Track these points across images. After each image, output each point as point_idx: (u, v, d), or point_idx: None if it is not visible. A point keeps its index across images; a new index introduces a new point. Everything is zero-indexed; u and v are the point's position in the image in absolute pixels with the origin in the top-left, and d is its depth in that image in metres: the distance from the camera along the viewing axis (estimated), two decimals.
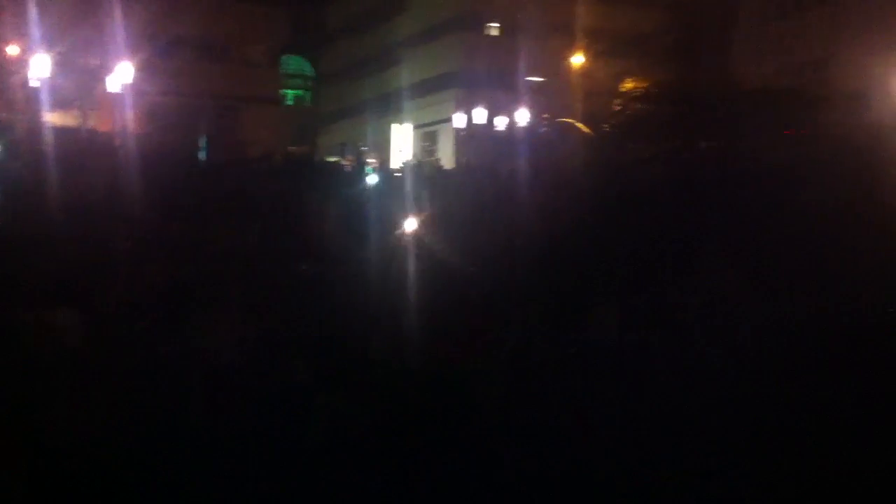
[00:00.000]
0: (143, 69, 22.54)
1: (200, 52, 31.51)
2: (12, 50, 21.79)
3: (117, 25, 22.94)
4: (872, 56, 19.21)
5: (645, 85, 26.59)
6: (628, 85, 27.04)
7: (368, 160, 20.22)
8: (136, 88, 20.28)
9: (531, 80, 30.11)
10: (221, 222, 9.17)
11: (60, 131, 17.44)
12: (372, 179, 12.00)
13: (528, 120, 20.88)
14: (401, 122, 33.77)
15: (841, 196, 5.92)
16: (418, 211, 9.46)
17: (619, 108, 25.54)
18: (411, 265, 6.36)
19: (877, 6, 21.98)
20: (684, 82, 24.59)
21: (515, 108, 22.13)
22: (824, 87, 21.82)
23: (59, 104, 22.49)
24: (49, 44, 20.40)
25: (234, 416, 3.99)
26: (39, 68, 19.10)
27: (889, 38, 20.47)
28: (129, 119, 19.21)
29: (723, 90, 21.11)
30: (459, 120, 25.05)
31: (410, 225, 8.32)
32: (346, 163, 15.16)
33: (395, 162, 25.35)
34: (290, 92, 44.38)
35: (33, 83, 19.20)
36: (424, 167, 17.34)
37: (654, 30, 31.49)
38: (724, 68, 26.44)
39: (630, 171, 9.61)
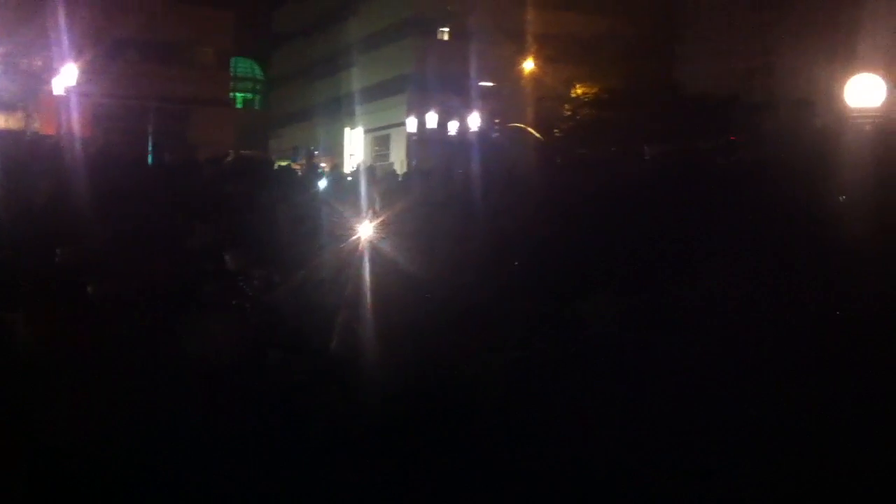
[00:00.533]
0: (89, 71, 22.16)
1: (147, 54, 31.10)
2: None
3: (61, 26, 22.52)
4: (815, 62, 19.66)
5: (594, 90, 26.96)
6: (578, 90, 27.39)
7: (320, 164, 20.11)
8: (81, 91, 19.91)
9: (483, 85, 30.26)
10: (170, 226, 9.04)
11: (3, 134, 17.05)
12: (324, 183, 11.92)
13: (480, 124, 20.96)
14: (353, 126, 33.70)
15: (781, 199, 6.03)
16: (371, 215, 9.42)
17: (569, 113, 25.88)
18: (365, 269, 6.33)
19: (819, 14, 22.50)
20: (632, 88, 24.95)
21: (467, 113, 22.20)
22: (768, 93, 22.30)
23: (2, 107, 22.01)
24: None
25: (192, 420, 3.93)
26: None
27: (831, 44, 20.97)
28: (74, 122, 18.85)
29: (669, 96, 21.48)
30: (412, 124, 25.06)
31: (363, 229, 8.28)
32: (298, 166, 15.05)
33: (348, 166, 25.27)
34: (239, 95, 44.05)
35: None
36: (377, 171, 17.30)
37: (603, 36, 31.92)
38: (669, 74, 26.87)
39: (579, 175, 9.69)
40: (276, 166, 14.28)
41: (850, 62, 17.21)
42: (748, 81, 25.17)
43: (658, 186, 7.42)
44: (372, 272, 6.31)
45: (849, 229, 5.42)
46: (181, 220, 8.56)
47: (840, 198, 5.26)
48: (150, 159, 22.50)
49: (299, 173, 14.84)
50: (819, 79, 17.58)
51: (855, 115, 9.24)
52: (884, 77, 10.82)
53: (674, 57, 28.47)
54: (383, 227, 7.33)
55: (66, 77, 19.42)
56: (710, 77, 24.23)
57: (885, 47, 17.72)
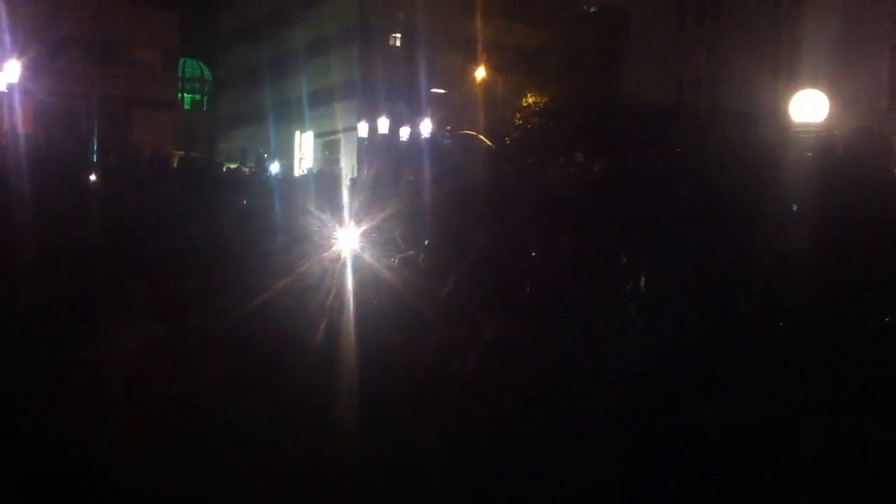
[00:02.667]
0: (31, 69, 21.68)
1: (91, 53, 30.52)
2: None
3: (3, 23, 22.01)
4: (758, 77, 20.08)
5: (544, 100, 27.18)
6: (529, 100, 27.60)
7: (269, 167, 19.92)
8: (22, 88, 19.46)
9: (434, 92, 30.33)
10: (111, 227, 8.85)
11: None
12: (272, 187, 11.81)
13: (430, 131, 20.99)
14: (303, 130, 33.50)
15: (723, 206, 6.12)
16: (320, 219, 9.35)
17: (519, 121, 26.05)
18: (316, 273, 6.26)
19: (763, 29, 22.97)
20: (580, 98, 25.21)
21: (418, 119, 22.22)
22: (713, 105, 22.71)
23: None
24: None
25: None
26: None
27: (774, 59, 21.43)
28: (15, 120, 18.41)
29: (615, 106, 21.74)
30: (362, 129, 24.99)
31: (312, 233, 8.21)
32: (246, 169, 14.88)
33: (297, 170, 25.08)
34: (187, 96, 43.48)
35: None
36: (326, 175, 17.19)
37: (550, 46, 32.25)
38: (616, 85, 27.20)
39: (530, 184, 9.73)
40: (223, 168, 14.12)
41: (792, 77, 17.61)
42: (694, 93, 25.60)
43: (602, 197, 7.51)
44: (321, 279, 6.25)
45: (790, 241, 5.53)
46: (121, 222, 8.40)
47: (788, 207, 5.34)
48: (93, 159, 22.03)
49: (247, 176, 14.68)
50: (762, 92, 17.96)
51: (798, 129, 9.45)
52: (826, 93, 11.09)
53: (621, 68, 28.84)
54: (333, 232, 7.28)
55: (8, 74, 18.96)
56: (656, 88, 24.59)
57: (827, 64, 18.17)
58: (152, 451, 3.71)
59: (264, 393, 4.33)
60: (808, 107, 10.57)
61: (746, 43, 22.98)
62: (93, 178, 12.19)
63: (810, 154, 7.71)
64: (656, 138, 12.81)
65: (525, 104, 27.41)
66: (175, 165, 15.85)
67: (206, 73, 45.20)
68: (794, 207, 5.47)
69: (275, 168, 18.52)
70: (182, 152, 20.61)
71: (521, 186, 9.63)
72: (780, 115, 10.96)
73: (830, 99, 10.89)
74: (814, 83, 12.93)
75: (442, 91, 30.89)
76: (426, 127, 21.18)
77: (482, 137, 23.36)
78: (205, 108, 45.10)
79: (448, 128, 24.49)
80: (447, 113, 26.79)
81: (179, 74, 39.11)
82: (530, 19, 33.57)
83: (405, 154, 18.07)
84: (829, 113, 10.71)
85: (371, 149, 23.01)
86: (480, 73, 29.57)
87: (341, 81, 34.18)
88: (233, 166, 14.60)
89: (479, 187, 10.35)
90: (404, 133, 22.30)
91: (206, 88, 45.58)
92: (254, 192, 10.75)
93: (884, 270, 4.57)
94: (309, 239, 7.05)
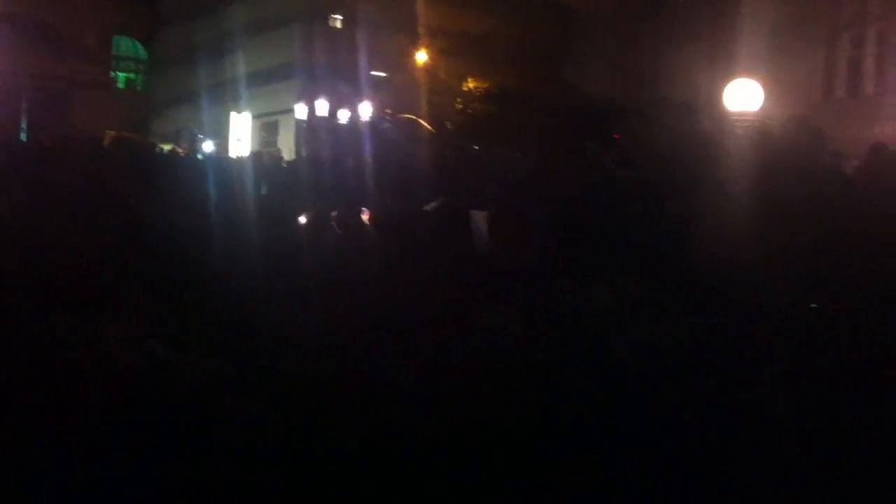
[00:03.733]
0: None
1: (22, 30, 29.56)
2: None
3: None
4: (697, 68, 20.35)
5: (486, 86, 27.16)
6: (470, 84, 27.55)
7: (205, 148, 19.55)
8: None
9: (375, 75, 30.07)
10: (41, 210, 8.57)
11: None
12: (209, 168, 11.57)
13: (371, 114, 20.82)
14: (240, 111, 32.92)
15: (664, 201, 6.18)
16: (257, 202, 9.20)
17: (461, 107, 26.00)
18: (253, 259, 6.17)
19: (701, 18, 23.28)
20: (523, 87, 25.27)
21: (359, 102, 22.01)
22: (654, 97, 22.95)
23: None
24: None
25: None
26: None
27: (712, 50, 21.74)
28: None
29: (558, 96, 21.86)
30: (301, 111, 24.65)
31: (248, 216, 8.07)
32: (182, 150, 14.57)
33: (234, 151, 24.68)
34: (121, 75, 42.37)
35: None
36: (264, 157, 16.93)
37: (494, 33, 32.23)
38: (558, 77, 27.34)
39: (471, 171, 9.72)
40: (158, 149, 13.78)
41: (729, 68, 17.89)
42: (636, 85, 25.85)
43: (544, 188, 7.51)
44: (257, 264, 6.15)
45: (730, 232, 5.59)
46: (52, 207, 8.13)
47: (728, 198, 5.41)
48: (22, 138, 21.34)
49: (183, 157, 14.37)
50: (701, 83, 18.21)
51: (734, 118, 9.59)
52: (761, 82, 11.27)
53: (564, 59, 28.97)
54: (270, 215, 7.18)
55: None
56: (598, 80, 24.74)
57: (763, 54, 18.48)
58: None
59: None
60: (743, 96, 10.74)
61: (687, 34, 23.27)
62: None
63: (745, 144, 7.83)
64: (600, 130, 12.90)
65: (466, 89, 27.37)
66: (107, 145, 15.43)
67: (142, 51, 44.13)
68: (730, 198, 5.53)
69: (208, 148, 18.20)
70: (114, 132, 20.12)
71: (464, 173, 9.61)
72: (717, 106, 11.12)
73: (766, 89, 11.07)
74: (750, 73, 13.13)
75: (383, 74, 30.65)
76: (366, 110, 21.01)
77: (423, 122, 23.25)
78: (140, 88, 44.05)
79: (388, 111, 24.34)
80: (388, 96, 26.60)
81: (114, 53, 38.08)
82: (475, 5, 33.47)
83: (345, 137, 17.91)
84: (766, 103, 10.89)
85: (310, 131, 22.75)
86: (422, 57, 29.42)
87: (281, 62, 33.63)
88: (167, 147, 14.27)
89: (421, 173, 10.30)
90: (344, 116, 22.09)
91: (141, 67, 44.49)
92: (187, 175, 10.53)
93: (815, 261, 4.67)
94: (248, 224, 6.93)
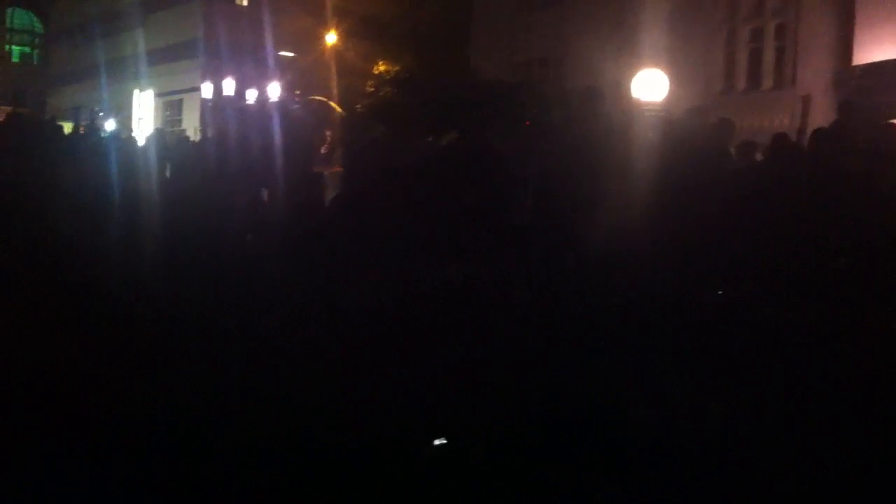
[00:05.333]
0: None
1: None
2: None
3: None
4: (601, 57, 20.66)
5: (396, 69, 27.02)
6: (381, 67, 27.36)
7: (107, 127, 18.87)
8: None
9: (283, 55, 29.57)
10: None
11: None
12: (111, 147, 11.16)
13: (278, 95, 20.45)
14: (142, 89, 31.92)
15: (568, 185, 6.27)
16: (160, 183, 8.95)
17: (371, 90, 25.79)
18: (152, 241, 6.00)
19: (603, 7, 23.64)
20: (429, 70, 25.21)
21: (266, 83, 21.60)
22: (558, 84, 23.20)
23: None
24: None
25: None
26: None
27: (616, 40, 22.12)
28: None
29: (463, 80, 21.89)
30: (206, 90, 24.04)
31: (150, 197, 7.85)
32: (81, 129, 14.03)
33: (136, 130, 23.91)
34: (16, 48, 40.57)
35: None
36: (167, 137, 16.45)
37: (401, 17, 32.06)
38: (462, 60, 27.35)
39: (380, 155, 9.65)
40: (55, 126, 13.24)
41: (633, 57, 18.25)
42: (540, 72, 26.06)
43: (444, 174, 7.52)
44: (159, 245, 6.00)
45: (633, 220, 5.70)
46: None
47: (632, 185, 5.51)
48: None
49: (81, 135, 13.83)
50: (605, 72, 18.50)
51: (641, 107, 9.78)
52: (666, 74, 11.53)
53: (466, 45, 28.99)
54: (174, 198, 6.99)
55: None
56: (501, 65, 24.83)
57: (666, 45, 18.91)
58: None
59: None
60: (649, 86, 10.96)
61: (589, 23, 23.59)
62: None
63: (650, 133, 7.99)
64: (500, 114, 12.97)
65: (377, 72, 27.18)
66: (1, 121, 14.77)
67: (37, 24, 42.29)
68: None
69: (109, 127, 17.56)
70: (10, 108, 19.27)
71: (369, 159, 9.53)
72: (622, 94, 11.32)
73: (670, 79, 11.33)
74: (654, 63, 13.41)
75: (290, 54, 30.15)
76: (274, 90, 20.64)
77: (333, 104, 22.98)
78: (35, 62, 42.23)
79: (298, 93, 23.95)
80: (296, 77, 26.19)
81: (7, 25, 36.41)
82: None
83: (252, 117, 17.55)
84: (669, 93, 11.14)
85: (215, 110, 22.23)
86: (331, 38, 29.04)
87: (184, 39, 32.75)
88: (67, 125, 13.73)
89: (331, 157, 10.19)
90: (251, 96, 21.65)
91: (36, 41, 42.65)
92: (87, 154, 10.14)
93: (712, 248, 4.82)
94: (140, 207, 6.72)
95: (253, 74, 24.07)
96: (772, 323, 4.37)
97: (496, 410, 3.93)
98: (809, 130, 7.06)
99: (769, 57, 21.00)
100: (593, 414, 3.98)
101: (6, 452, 3.36)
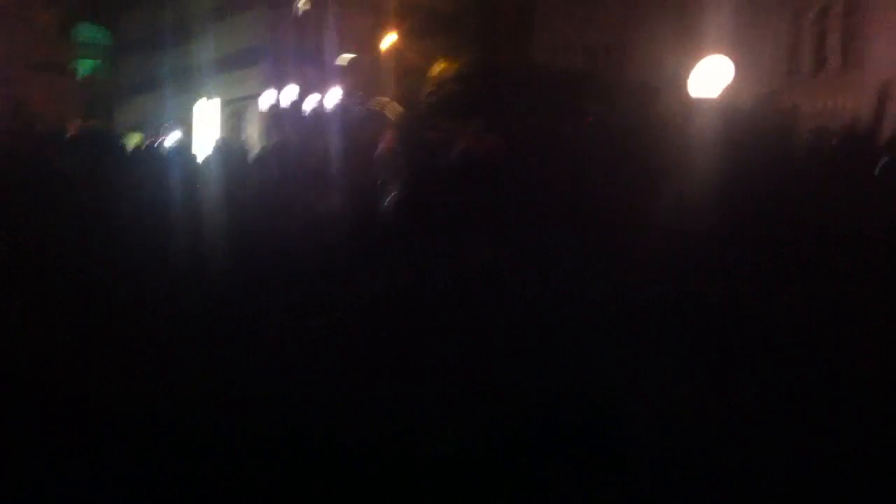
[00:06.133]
0: None
1: None
2: None
3: None
4: (663, 46, 20.32)
5: (457, 66, 27.00)
6: (441, 65, 27.37)
7: (173, 137, 19.22)
8: None
9: (344, 57, 29.79)
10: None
11: None
12: (176, 159, 11.35)
13: (341, 98, 20.60)
14: (207, 98, 32.51)
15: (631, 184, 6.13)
16: (223, 192, 9.04)
17: (433, 88, 25.82)
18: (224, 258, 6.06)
19: None
20: (493, 63, 25.14)
21: (328, 86, 21.79)
22: (620, 72, 22.92)
23: None
24: None
25: None
26: None
27: (678, 22, 21.70)
28: None
29: (525, 72, 21.74)
30: (269, 97, 24.38)
31: (213, 207, 7.92)
32: (147, 140, 14.34)
33: (201, 139, 24.35)
34: (84, 62, 41.70)
35: None
36: (231, 145, 16.68)
37: (461, 11, 32.01)
38: (525, 51, 27.19)
39: (444, 152, 9.61)
40: (122, 139, 13.54)
41: (696, 44, 17.86)
42: (605, 60, 25.77)
43: (516, 168, 7.43)
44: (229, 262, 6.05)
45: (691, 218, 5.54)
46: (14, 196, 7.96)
47: (690, 181, 5.36)
48: None
49: (149, 146, 14.12)
50: (667, 58, 18.18)
51: (704, 95, 9.55)
52: (730, 57, 11.23)
53: (531, 34, 28.83)
54: (239, 212, 7.04)
55: None
56: (565, 55, 24.65)
57: (729, 28, 18.49)
58: None
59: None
60: (713, 73, 10.69)
61: (652, 9, 23.21)
62: None
63: (715, 122, 7.77)
64: (563, 107, 12.83)
65: (437, 69, 27.20)
66: (71, 135, 15.10)
67: (105, 38, 43.42)
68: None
69: (175, 136, 17.92)
70: (79, 121, 19.77)
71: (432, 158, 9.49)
72: (684, 83, 11.07)
73: (734, 64, 11.04)
74: (716, 49, 13.10)
75: (353, 56, 30.37)
76: (336, 94, 20.80)
77: (395, 103, 23.05)
78: (104, 75, 43.37)
79: (360, 94, 24.08)
80: (358, 78, 26.37)
81: (77, 38, 37.46)
82: None
83: (315, 122, 17.69)
84: (733, 79, 10.85)
85: (278, 117, 22.49)
86: (392, 37, 29.15)
87: (247, 46, 33.26)
88: (134, 137, 14.03)
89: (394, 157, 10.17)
90: (314, 100, 21.85)
91: (105, 54, 43.80)
92: (155, 164, 10.34)
93: (790, 247, 4.64)
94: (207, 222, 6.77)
95: (315, 78, 24.31)
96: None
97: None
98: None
99: (835, 38, 20.39)
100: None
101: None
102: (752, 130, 6.56)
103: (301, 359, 4.53)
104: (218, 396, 4.07)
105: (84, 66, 41.44)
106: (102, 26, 42.55)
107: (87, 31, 41.07)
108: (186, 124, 28.84)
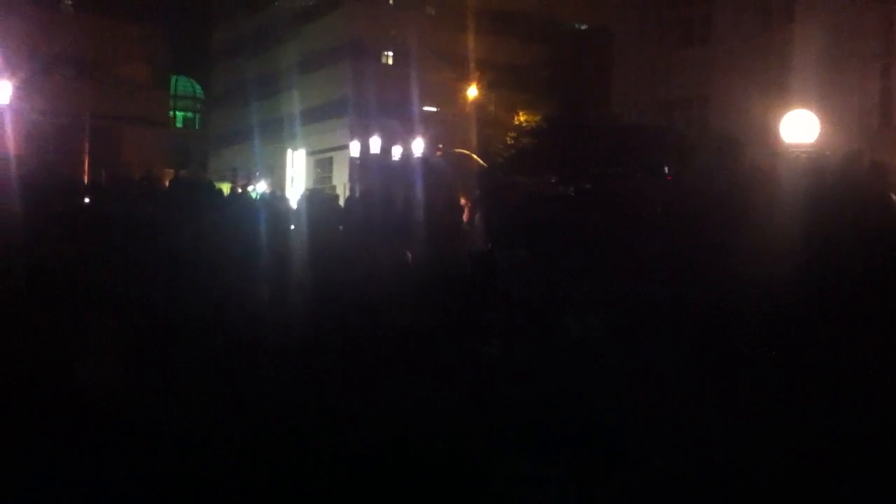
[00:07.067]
0: (22, 88, 21.61)
1: (81, 70, 30.47)
2: None
3: None
4: (747, 97, 20.12)
5: (535, 119, 27.24)
6: (521, 118, 27.66)
7: (262, 186, 19.84)
8: (13, 108, 19.39)
9: (426, 110, 30.34)
10: (102, 249, 8.77)
11: None
12: (266, 207, 11.70)
13: (422, 150, 20.97)
14: (294, 148, 33.44)
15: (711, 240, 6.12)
16: (310, 241, 9.29)
17: (512, 141, 26.09)
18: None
19: (749, 46, 23.03)
20: (570, 116, 25.22)
21: (410, 138, 22.23)
22: (700, 125, 22.71)
23: None
24: None
25: None
26: None
27: (763, 79, 21.49)
28: (7, 141, 18.34)
29: (603, 126, 21.73)
30: (354, 148, 24.96)
31: (300, 255, 8.15)
32: (238, 189, 14.85)
33: (289, 188, 25.03)
34: (178, 113, 43.43)
35: None
36: (317, 194, 17.06)
37: (539, 64, 32.34)
38: (603, 104, 27.21)
39: (522, 205, 9.71)
40: (216, 187, 14.02)
41: (781, 97, 17.66)
42: (682, 114, 25.62)
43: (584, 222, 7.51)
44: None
45: (782, 267, 5.49)
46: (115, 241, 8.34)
47: (773, 235, 5.33)
48: (84, 178, 21.87)
49: (240, 194, 14.62)
50: (750, 113, 17.99)
51: (790, 150, 9.47)
52: (816, 113, 11.12)
53: (608, 87, 28.89)
54: (325, 257, 7.24)
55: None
56: (643, 108, 24.57)
57: (816, 83, 18.24)
58: None
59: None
60: (799, 127, 10.59)
61: (735, 62, 23.04)
62: (86, 199, 12.06)
63: (802, 178, 7.68)
64: (639, 160, 12.85)
65: (517, 122, 27.45)
66: (166, 184, 15.65)
67: (198, 90, 45.19)
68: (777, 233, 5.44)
69: (261, 187, 18.45)
70: (173, 170, 20.50)
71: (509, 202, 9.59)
72: (769, 137, 10.98)
73: (820, 119, 10.92)
74: (803, 103, 12.96)
75: (434, 109, 30.91)
76: (418, 146, 21.18)
77: (475, 156, 23.26)
78: (197, 126, 45.05)
79: (440, 146, 24.48)
80: (439, 131, 26.80)
81: (171, 92, 39.07)
82: (521, 36, 33.68)
83: (397, 173, 18.04)
84: (820, 133, 10.72)
85: (362, 168, 22.97)
86: (472, 91, 29.60)
87: (333, 99, 34.17)
88: (226, 186, 14.55)
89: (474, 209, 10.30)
90: (396, 152, 22.27)
91: (198, 106, 45.56)
92: (245, 214, 10.68)
93: (881, 301, 4.55)
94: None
95: (398, 130, 24.80)
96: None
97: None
98: None
99: None
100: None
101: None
102: (836, 185, 6.48)
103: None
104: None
105: (179, 118, 43.20)
106: (196, 80, 44.35)
107: (182, 85, 42.85)
108: (275, 173, 29.70)
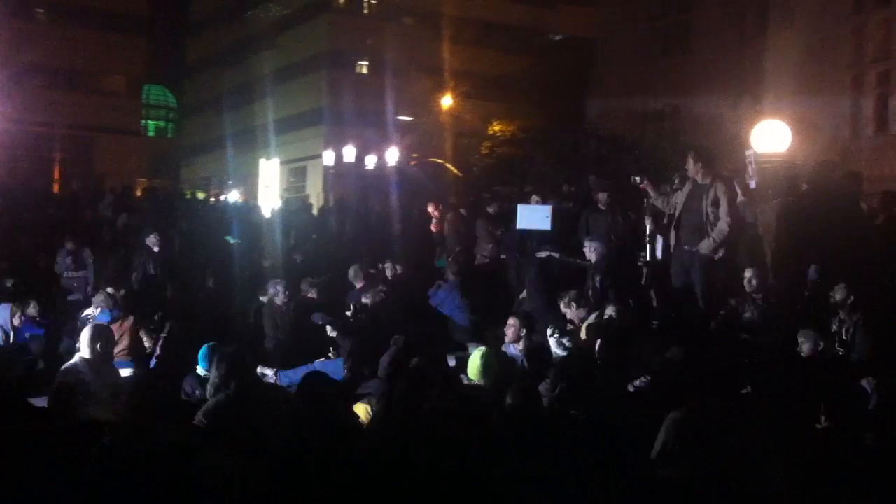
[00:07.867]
0: None
1: (55, 80, 30.22)
2: None
3: None
4: (719, 107, 20.28)
5: (511, 129, 27.26)
6: (496, 128, 27.66)
7: (235, 194, 19.69)
8: None
9: (401, 119, 30.27)
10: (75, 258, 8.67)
11: None
12: (240, 214, 11.62)
13: (398, 159, 20.89)
14: (268, 157, 33.26)
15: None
16: (284, 249, 9.24)
17: (487, 150, 26.06)
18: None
19: (724, 58, 23.23)
20: (547, 128, 25.27)
21: (385, 147, 22.14)
22: (673, 137, 22.84)
23: None
24: None
25: None
26: None
27: (736, 88, 21.67)
28: None
29: (578, 137, 21.80)
30: (328, 157, 24.83)
31: (275, 263, 8.09)
32: (210, 198, 14.71)
33: (263, 197, 24.86)
34: (152, 122, 43.07)
35: None
36: (292, 204, 17.02)
37: (517, 75, 32.43)
38: (579, 115, 27.31)
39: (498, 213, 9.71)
40: (187, 196, 13.90)
41: (755, 108, 17.81)
42: (656, 125, 25.78)
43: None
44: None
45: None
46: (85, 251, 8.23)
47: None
48: (53, 187, 21.65)
49: (213, 204, 14.49)
50: (722, 123, 18.11)
51: (762, 160, 9.49)
52: (789, 123, 11.16)
53: (585, 99, 29.01)
54: (297, 264, 7.20)
55: None
56: (619, 120, 24.66)
57: (789, 94, 18.41)
58: None
59: None
60: (771, 137, 10.61)
61: (710, 75, 23.23)
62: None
63: (773, 187, 7.73)
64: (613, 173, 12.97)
65: (492, 132, 27.45)
66: (139, 194, 15.53)
67: (172, 99, 44.88)
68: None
69: (233, 196, 18.27)
70: (146, 180, 20.31)
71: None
72: (739, 145, 11.03)
73: (793, 129, 10.96)
74: (776, 113, 13.05)
75: (409, 118, 30.85)
76: (392, 155, 21.10)
77: (450, 166, 23.19)
78: (170, 135, 44.71)
79: (415, 156, 24.40)
80: (414, 141, 26.72)
81: (144, 101, 38.72)
82: (499, 46, 33.74)
83: (372, 182, 17.96)
84: (793, 143, 10.76)
85: (337, 177, 22.89)
86: (448, 100, 29.58)
87: (308, 108, 34.02)
88: (200, 194, 14.42)
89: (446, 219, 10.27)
90: (370, 161, 22.19)
91: (171, 115, 45.22)
92: (218, 221, 10.61)
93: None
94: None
95: (373, 139, 24.70)
96: None
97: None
98: None
99: None
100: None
101: None
102: (807, 195, 6.52)
103: None
104: None
105: (151, 127, 42.79)
106: (169, 89, 44.02)
107: (155, 94, 42.49)
108: (248, 182, 29.49)
